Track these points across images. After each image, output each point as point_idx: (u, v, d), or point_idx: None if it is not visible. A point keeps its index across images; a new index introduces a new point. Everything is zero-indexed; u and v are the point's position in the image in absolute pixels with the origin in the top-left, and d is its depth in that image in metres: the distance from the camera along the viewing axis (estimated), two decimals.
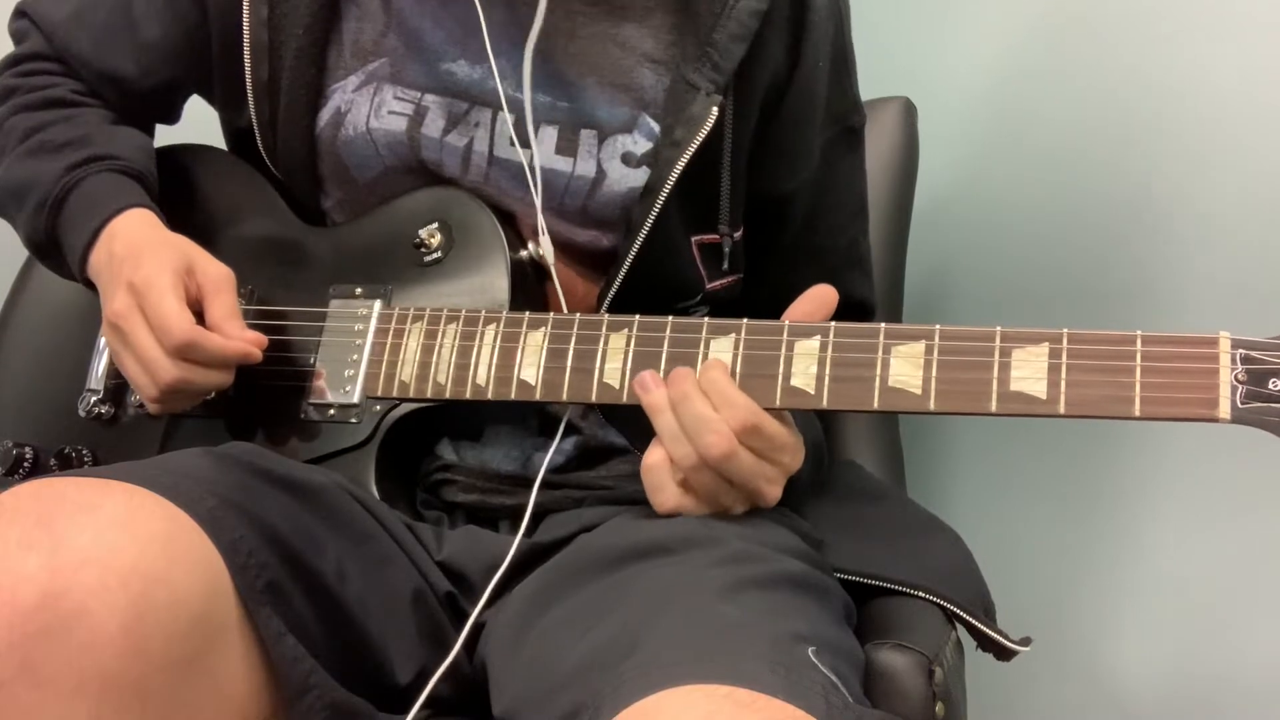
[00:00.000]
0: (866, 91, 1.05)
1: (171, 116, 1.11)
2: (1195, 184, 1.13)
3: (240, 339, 0.90)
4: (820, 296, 0.87)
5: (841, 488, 1.05)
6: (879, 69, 1.14)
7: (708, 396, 0.83)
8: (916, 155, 1.30)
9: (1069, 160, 1.27)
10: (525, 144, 0.95)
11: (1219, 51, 1.12)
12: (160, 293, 0.88)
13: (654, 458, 0.85)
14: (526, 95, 0.94)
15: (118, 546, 0.68)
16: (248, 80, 0.98)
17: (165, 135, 1.10)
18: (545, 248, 0.95)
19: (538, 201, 0.95)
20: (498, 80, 0.95)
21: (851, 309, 1.05)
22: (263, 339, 0.92)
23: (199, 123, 1.10)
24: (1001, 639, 0.88)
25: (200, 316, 0.91)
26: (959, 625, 0.89)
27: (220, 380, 0.91)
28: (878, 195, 1.17)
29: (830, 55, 0.98)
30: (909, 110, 1.30)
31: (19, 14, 1.09)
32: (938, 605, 0.88)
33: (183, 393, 0.90)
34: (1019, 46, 1.34)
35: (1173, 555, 1.16)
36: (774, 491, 0.86)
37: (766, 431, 0.83)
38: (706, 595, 0.75)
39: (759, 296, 1.02)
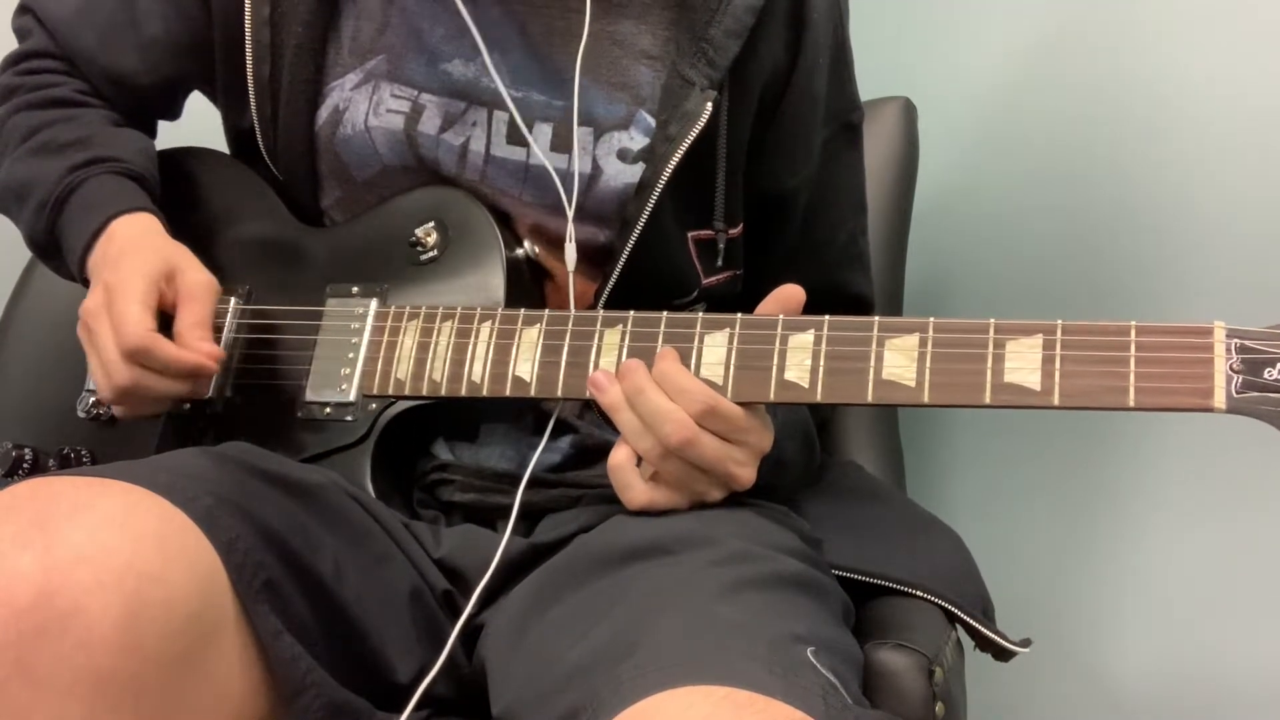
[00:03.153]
0: (866, 91, 1.05)
1: (173, 113, 1.11)
2: (1192, 181, 1.13)
3: (195, 350, 0.90)
4: (783, 296, 0.87)
5: (841, 487, 1.05)
6: (879, 69, 1.15)
7: (661, 388, 0.83)
8: (916, 155, 1.30)
9: (1068, 159, 1.27)
10: (562, 149, 0.95)
11: (1216, 50, 1.12)
12: (127, 296, 0.89)
13: (618, 458, 0.86)
14: (575, 103, 0.94)
15: (113, 545, 0.68)
16: (249, 79, 0.99)
17: (167, 134, 1.11)
18: (569, 256, 0.95)
19: (569, 211, 0.95)
20: (509, 80, 0.95)
21: (850, 305, 1.05)
22: (218, 352, 0.91)
23: (201, 124, 1.11)
24: (1001, 639, 0.89)
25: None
26: (959, 625, 0.89)
27: (177, 389, 0.91)
28: (878, 195, 1.17)
29: (829, 52, 0.98)
30: (909, 110, 1.30)
31: (22, 10, 1.09)
32: (937, 605, 0.89)
33: (138, 397, 0.90)
34: (1019, 46, 1.34)
35: (1172, 553, 1.16)
36: (747, 474, 0.86)
37: (724, 413, 0.83)
38: (705, 596, 0.75)
39: (759, 293, 1.02)
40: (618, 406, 0.85)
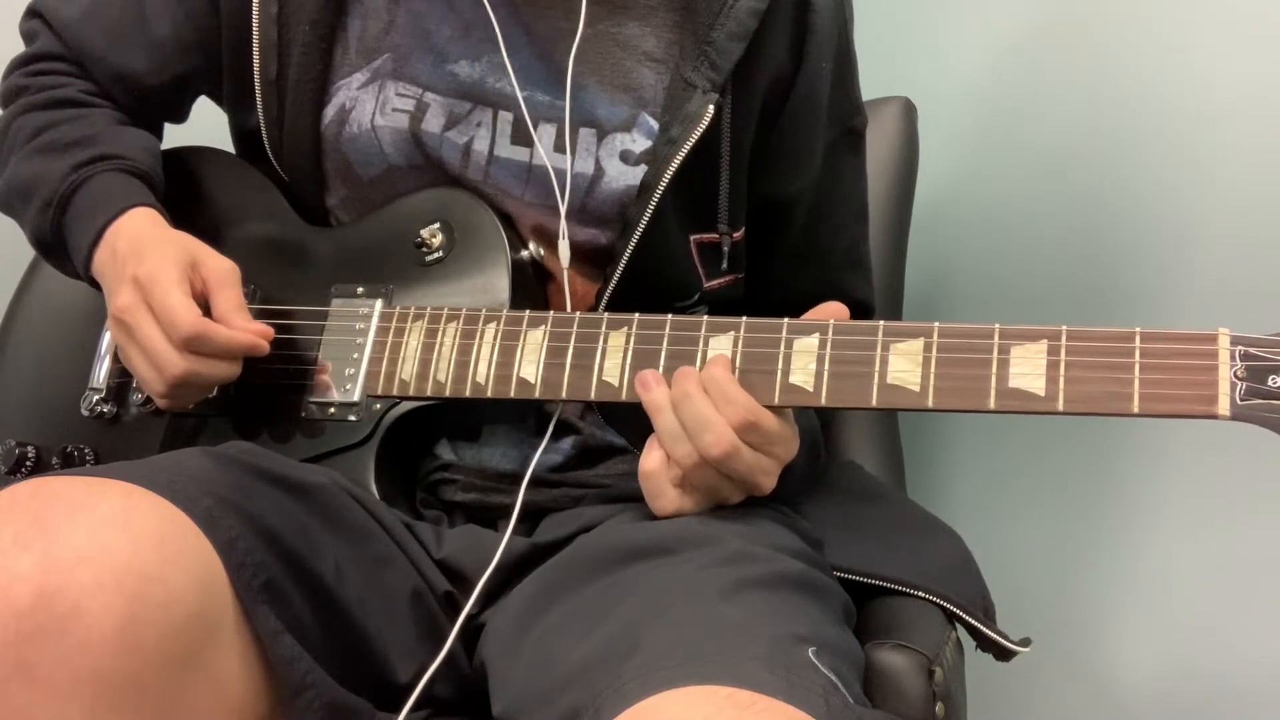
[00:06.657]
0: (866, 91, 1.05)
1: (179, 115, 1.11)
2: (1194, 182, 1.13)
3: (247, 330, 0.90)
4: (829, 313, 0.87)
5: (841, 488, 1.05)
6: (879, 69, 1.14)
7: (708, 393, 0.83)
8: (916, 155, 1.30)
9: (1069, 160, 1.27)
10: (565, 150, 0.95)
11: (1218, 51, 1.12)
12: (166, 287, 0.89)
13: (651, 464, 0.85)
14: (566, 104, 0.94)
15: (113, 545, 0.68)
16: (256, 78, 0.99)
17: (173, 136, 1.11)
18: (563, 253, 0.95)
19: (562, 208, 0.95)
20: (514, 81, 0.95)
21: (851, 309, 1.04)
22: (269, 331, 0.92)
23: (206, 125, 1.11)
24: (1001, 639, 0.89)
25: (206, 310, 0.91)
26: (959, 625, 0.89)
27: (228, 373, 0.91)
28: (878, 195, 1.17)
29: (834, 57, 0.98)
30: (909, 110, 1.30)
31: (31, 13, 1.09)
32: (938, 605, 0.89)
33: (190, 386, 0.90)
34: (1019, 47, 1.34)
35: (1172, 555, 1.16)
36: (770, 482, 0.86)
37: (764, 427, 0.83)
38: (706, 596, 0.75)
39: (759, 297, 1.03)
40: (660, 408, 0.84)
